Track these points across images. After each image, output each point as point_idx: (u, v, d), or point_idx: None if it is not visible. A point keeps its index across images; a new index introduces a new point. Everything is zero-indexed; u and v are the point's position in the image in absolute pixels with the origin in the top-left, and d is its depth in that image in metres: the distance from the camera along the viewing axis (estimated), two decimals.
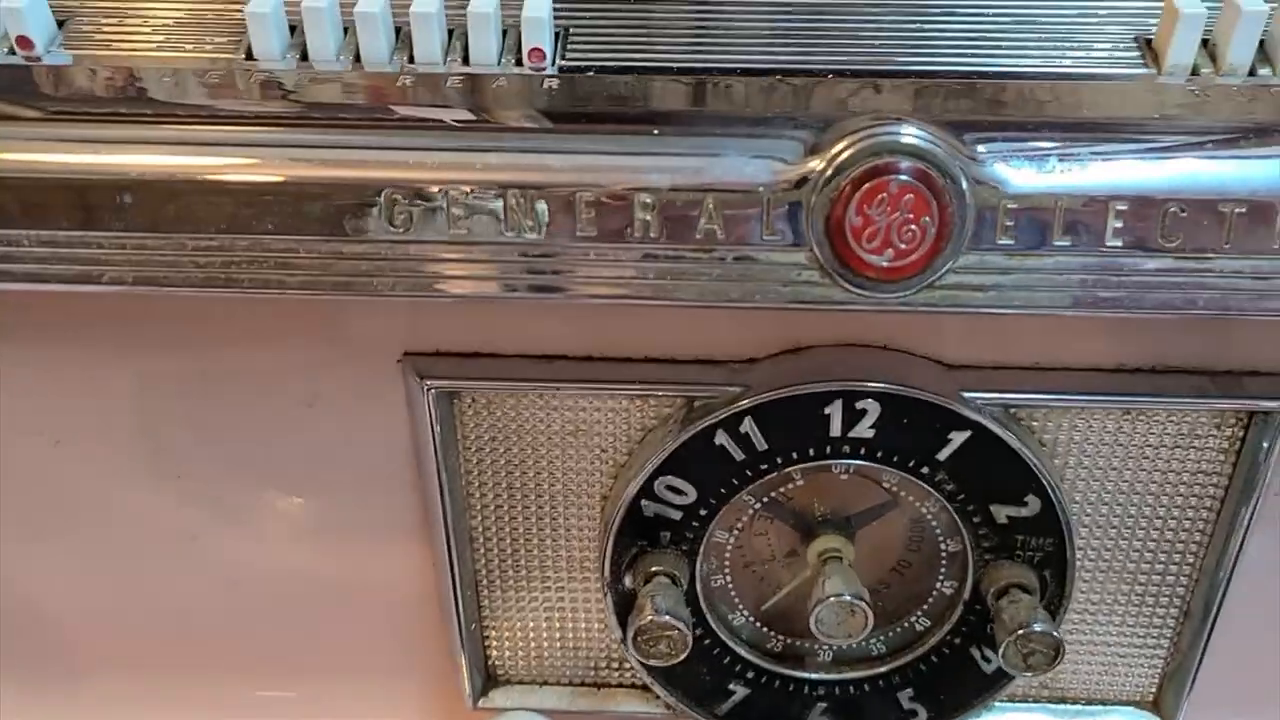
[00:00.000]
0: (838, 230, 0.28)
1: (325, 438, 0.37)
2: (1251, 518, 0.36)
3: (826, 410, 0.34)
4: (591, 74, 0.30)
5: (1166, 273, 0.28)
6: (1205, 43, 0.30)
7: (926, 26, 0.31)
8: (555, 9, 0.31)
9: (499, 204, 0.29)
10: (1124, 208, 0.28)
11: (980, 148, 0.28)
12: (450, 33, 0.31)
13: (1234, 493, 0.36)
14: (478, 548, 0.39)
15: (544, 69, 0.30)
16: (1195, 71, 0.31)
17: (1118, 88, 0.30)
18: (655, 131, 0.29)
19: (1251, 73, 0.32)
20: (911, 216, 0.28)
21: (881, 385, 0.34)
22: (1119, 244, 0.28)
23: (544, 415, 0.36)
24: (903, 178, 0.28)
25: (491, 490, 0.38)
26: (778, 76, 0.30)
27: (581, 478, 0.37)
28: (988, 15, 0.32)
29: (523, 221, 0.29)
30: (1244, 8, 0.33)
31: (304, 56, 0.30)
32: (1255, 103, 0.30)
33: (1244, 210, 0.28)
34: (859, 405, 0.34)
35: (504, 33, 0.31)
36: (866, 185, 0.28)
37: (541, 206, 0.28)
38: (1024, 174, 0.28)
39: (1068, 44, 0.32)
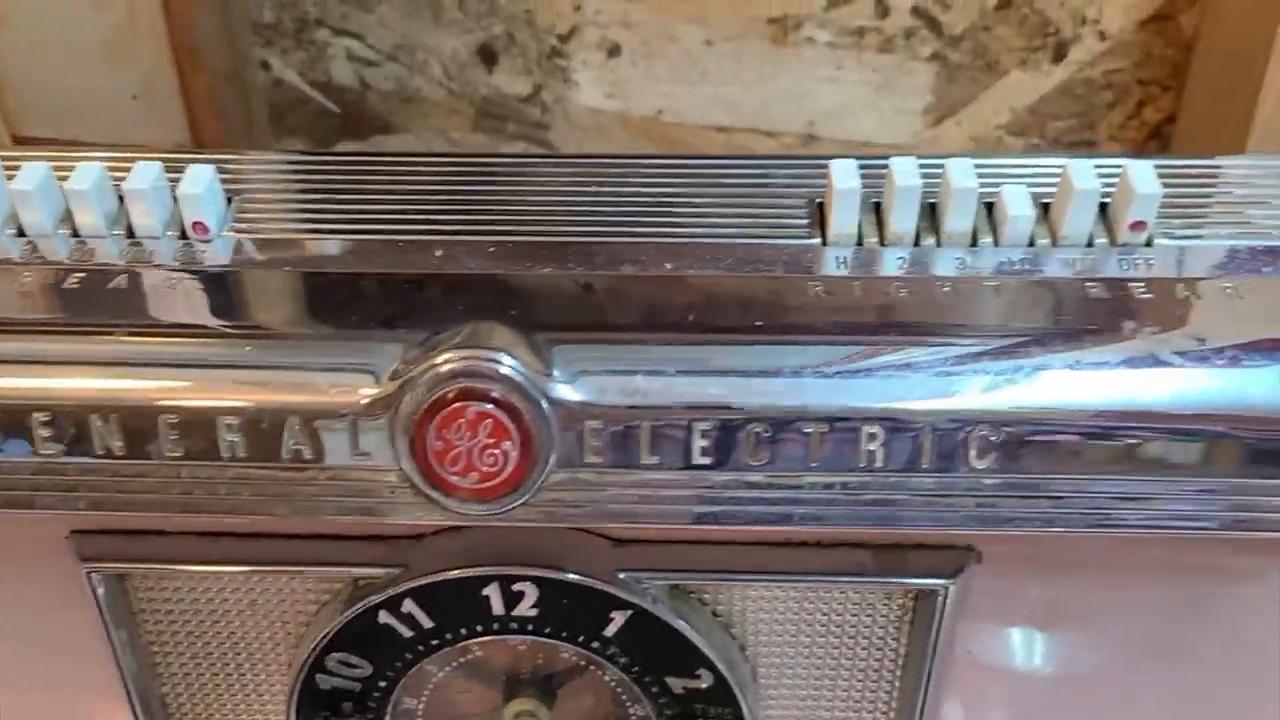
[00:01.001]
0: (421, 453, 0.28)
1: (10, 603, 0.37)
2: (929, 684, 0.36)
3: (485, 591, 0.34)
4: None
5: (759, 487, 0.29)
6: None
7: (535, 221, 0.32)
8: None
9: (97, 422, 0.29)
10: (707, 427, 0.28)
11: (562, 367, 0.28)
12: None
13: (911, 660, 0.36)
14: (171, 713, 0.39)
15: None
16: (860, 241, 0.32)
17: (737, 282, 0.30)
18: (247, 346, 0.29)
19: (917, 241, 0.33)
20: (492, 441, 0.28)
21: (535, 571, 0.34)
22: (707, 462, 0.28)
23: (217, 591, 0.36)
24: (479, 405, 0.28)
25: (177, 659, 0.38)
26: (378, 281, 0.30)
27: (265, 648, 0.37)
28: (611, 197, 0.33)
29: (111, 442, 0.29)
30: (902, 184, 0.33)
31: None
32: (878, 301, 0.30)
33: (826, 429, 0.28)
34: (516, 588, 0.34)
35: None
36: (443, 412, 0.28)
37: (116, 426, 0.28)
38: (608, 393, 0.28)
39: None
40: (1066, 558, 0.33)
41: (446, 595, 0.35)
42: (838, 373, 0.28)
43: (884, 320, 0.29)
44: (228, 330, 0.29)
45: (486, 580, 0.34)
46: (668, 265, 0.32)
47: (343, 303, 0.30)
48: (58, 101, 0.47)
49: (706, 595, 0.36)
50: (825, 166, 0.33)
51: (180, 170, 0.33)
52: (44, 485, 0.29)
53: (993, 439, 0.28)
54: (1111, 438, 0.27)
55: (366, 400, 0.28)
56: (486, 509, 0.28)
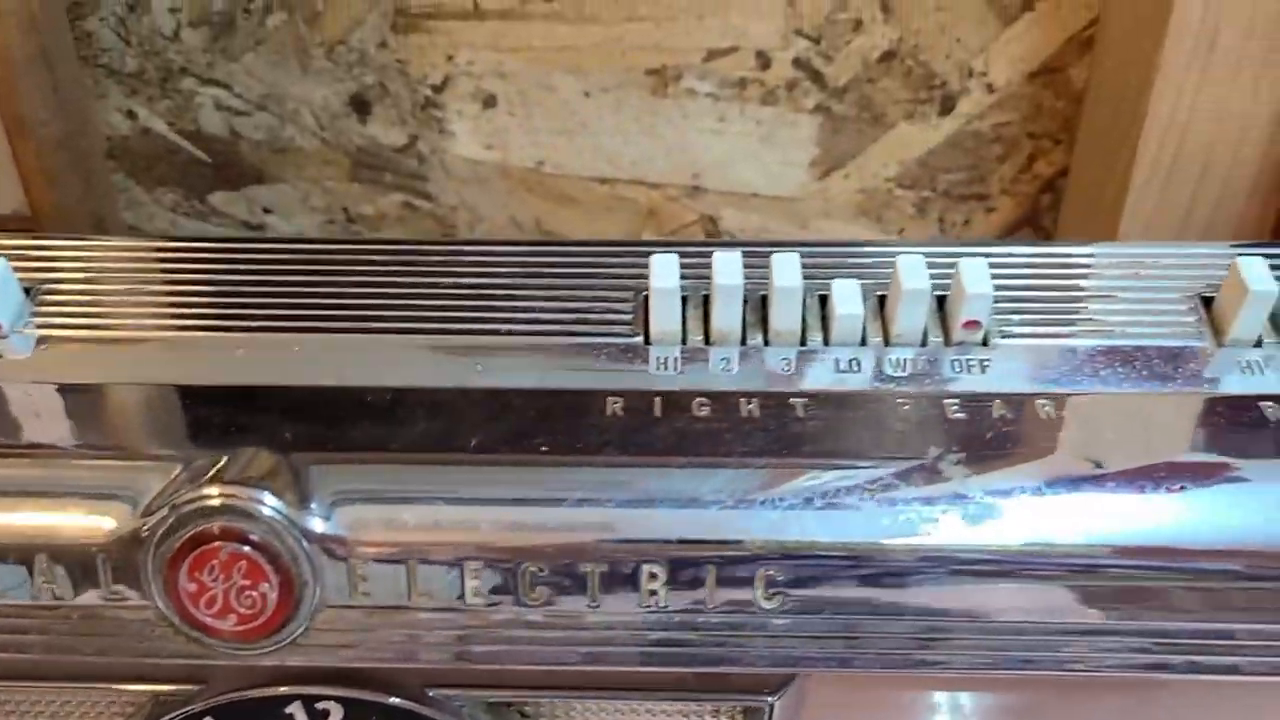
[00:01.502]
0: (175, 594, 0.26)
1: None
2: None
3: (288, 710, 0.33)
4: None
5: (537, 626, 0.27)
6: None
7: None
8: None
9: None
10: (478, 566, 0.26)
11: (324, 499, 0.26)
12: None
13: None
14: None
15: None
16: (685, 339, 0.31)
17: (530, 398, 0.29)
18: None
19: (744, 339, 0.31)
20: (248, 583, 0.26)
21: (339, 690, 0.32)
22: (480, 602, 0.27)
23: (15, 704, 0.34)
24: (233, 546, 0.26)
25: None
26: (157, 393, 0.29)
27: None
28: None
29: None
30: (721, 283, 0.32)
31: None
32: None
33: (606, 569, 0.26)
34: (320, 706, 0.32)
35: None
36: (195, 553, 0.26)
37: None
38: (373, 527, 0.27)
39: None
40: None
41: (247, 713, 0.33)
42: (619, 503, 0.26)
43: (678, 443, 0.28)
44: None
45: (289, 699, 0.33)
46: (477, 368, 0.31)
47: (113, 419, 0.29)
48: None
49: (527, 708, 0.35)
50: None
51: None
52: None
53: (782, 577, 0.26)
54: (903, 574, 0.26)
55: (119, 536, 0.26)
56: (252, 650, 0.27)
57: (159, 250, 0.35)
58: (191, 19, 0.50)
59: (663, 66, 0.49)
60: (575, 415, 0.28)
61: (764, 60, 0.48)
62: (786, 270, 0.32)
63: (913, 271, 0.32)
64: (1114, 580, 0.28)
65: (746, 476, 0.27)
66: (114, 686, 0.33)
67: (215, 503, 0.25)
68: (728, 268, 0.32)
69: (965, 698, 0.34)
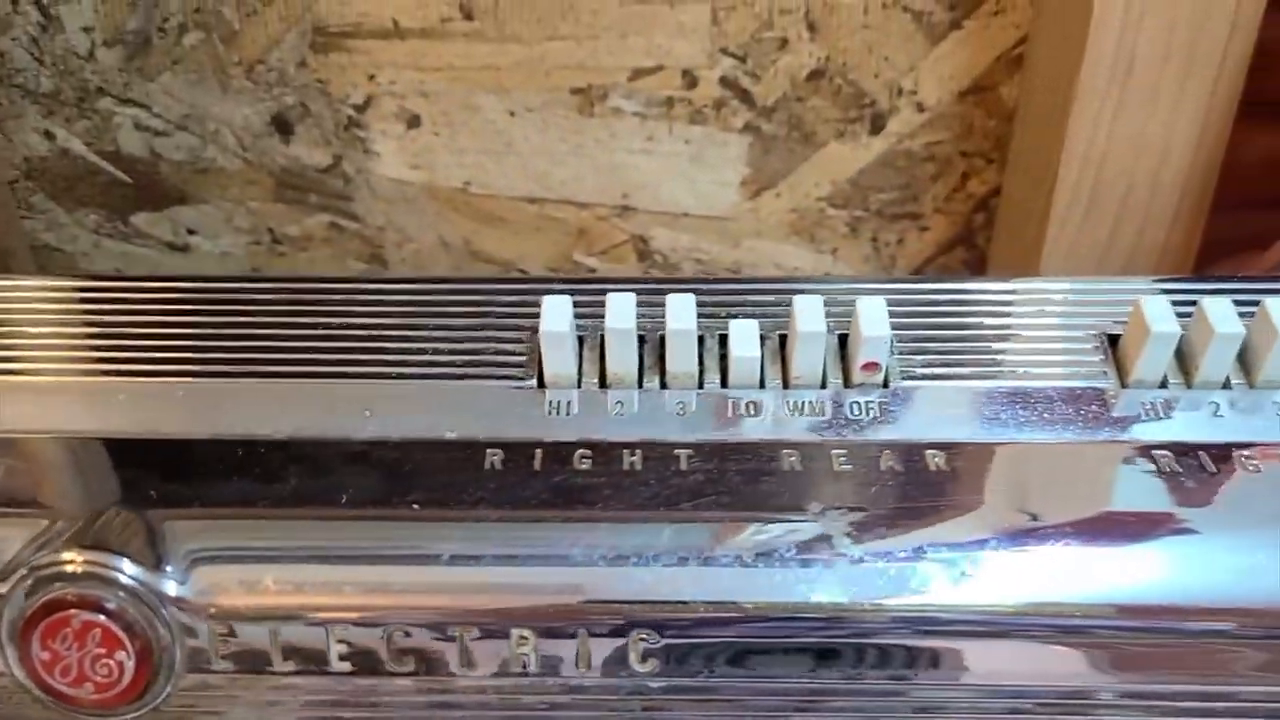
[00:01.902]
0: (29, 662, 0.26)
1: None
2: None
3: None
4: None
5: (405, 692, 0.26)
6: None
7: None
8: None
9: None
10: (343, 633, 0.26)
11: (181, 561, 0.25)
12: None
13: None
14: None
15: None
16: (580, 383, 0.30)
17: (407, 450, 0.28)
18: None
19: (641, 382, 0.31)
20: (103, 651, 0.25)
21: None
22: (347, 668, 0.26)
23: None
24: (85, 614, 0.25)
25: None
26: (27, 447, 0.28)
27: None
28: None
29: None
30: (614, 326, 0.31)
31: None
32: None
33: (476, 634, 0.26)
34: None
35: None
36: (46, 621, 0.25)
37: None
38: (231, 591, 0.26)
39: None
40: None
41: None
42: (489, 559, 0.26)
43: (553, 499, 0.27)
44: None
45: None
46: (365, 414, 0.30)
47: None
48: None
49: None
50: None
51: None
52: None
53: (654, 643, 0.25)
54: (781, 635, 0.25)
55: None
56: (112, 717, 0.26)
57: (41, 290, 0.34)
58: (106, 38, 0.48)
59: (588, 86, 0.48)
60: (454, 468, 0.28)
61: (690, 79, 0.48)
62: (682, 312, 0.31)
63: (809, 313, 0.31)
64: (1009, 638, 0.28)
65: (620, 532, 0.26)
66: None
67: (68, 569, 0.25)
68: (621, 310, 0.31)
69: None
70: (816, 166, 0.49)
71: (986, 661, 0.27)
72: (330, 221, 0.53)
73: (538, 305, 0.32)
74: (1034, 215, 0.45)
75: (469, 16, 0.47)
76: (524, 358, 0.32)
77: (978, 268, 0.52)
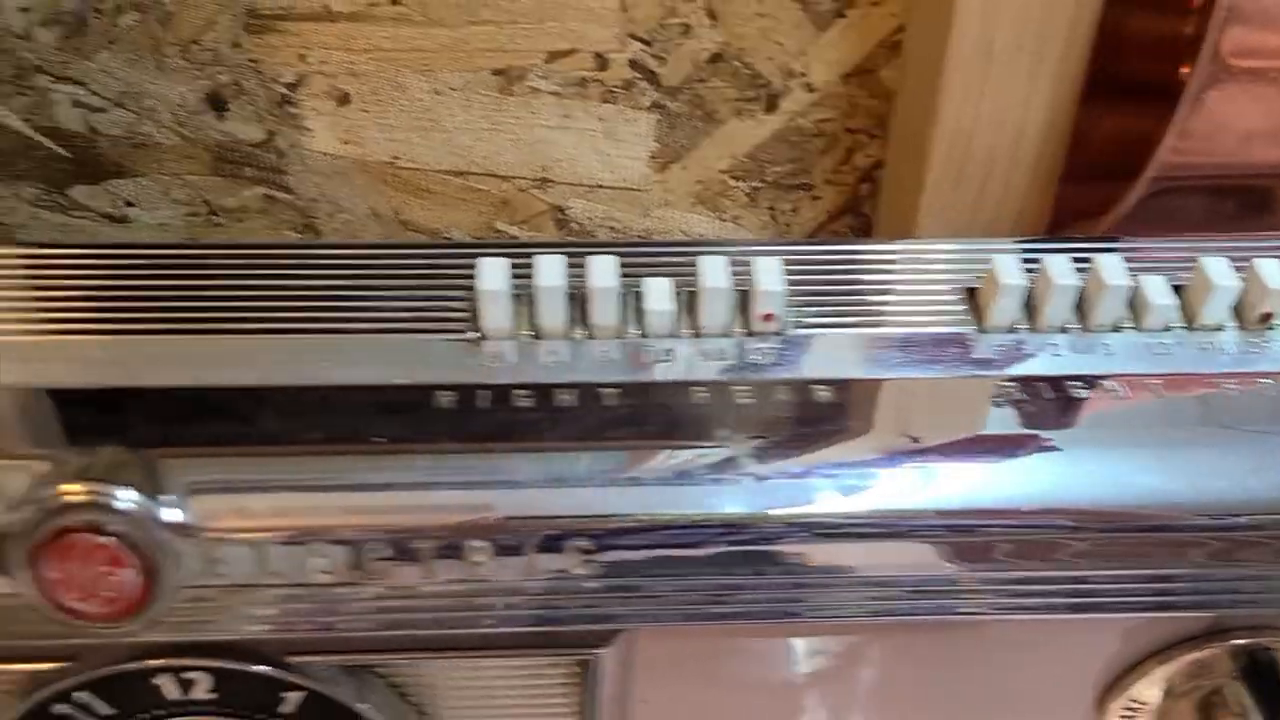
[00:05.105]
0: (41, 581, 0.29)
1: None
2: None
3: (156, 681, 0.35)
4: None
5: (381, 597, 0.30)
6: None
7: None
8: None
9: None
10: (322, 545, 0.30)
11: (177, 489, 0.29)
12: None
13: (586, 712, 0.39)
14: None
15: None
16: (515, 335, 0.34)
17: (369, 393, 0.32)
18: None
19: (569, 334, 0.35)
20: (109, 569, 0.29)
21: (204, 660, 0.35)
22: (326, 578, 0.30)
23: None
24: (92, 537, 0.29)
25: None
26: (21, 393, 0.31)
27: None
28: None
29: None
30: (542, 284, 0.35)
31: None
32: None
33: (434, 545, 0.30)
34: (187, 676, 0.35)
35: None
36: (56, 544, 0.29)
37: None
38: (222, 514, 0.29)
39: None
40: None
41: (119, 686, 0.36)
42: (446, 485, 0.30)
43: (500, 430, 0.31)
44: None
45: (158, 671, 0.36)
46: (323, 364, 0.34)
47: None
48: None
49: (387, 669, 0.38)
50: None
51: None
52: None
53: (590, 546, 0.30)
54: (693, 544, 0.30)
55: None
56: (118, 629, 0.30)
57: (18, 257, 0.37)
58: (43, 18, 0.51)
59: (508, 67, 0.52)
60: (410, 408, 0.32)
61: (602, 61, 0.52)
62: (605, 271, 0.36)
63: (714, 271, 0.36)
64: (893, 539, 0.33)
65: (558, 459, 0.30)
66: None
67: (78, 499, 0.28)
68: (552, 270, 0.35)
69: (773, 645, 0.38)
70: (718, 142, 0.54)
71: (873, 559, 0.32)
72: (265, 194, 0.55)
73: (470, 268, 0.37)
74: (911, 185, 0.50)
75: (395, 1, 0.50)
76: (464, 314, 0.36)
77: (864, 232, 0.57)
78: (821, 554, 0.31)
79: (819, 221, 0.57)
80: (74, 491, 0.28)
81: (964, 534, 0.33)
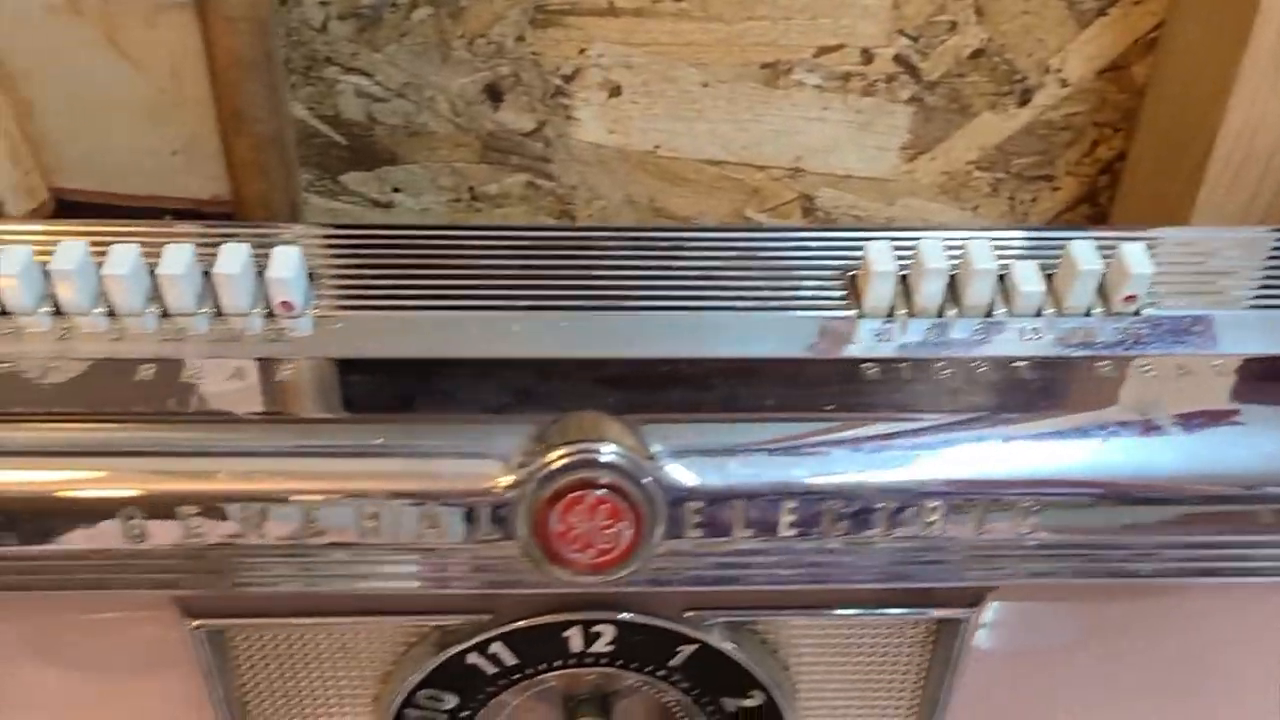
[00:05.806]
0: (543, 534, 0.32)
1: (114, 656, 0.40)
2: (948, 702, 0.41)
3: (566, 634, 0.38)
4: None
5: (835, 552, 0.33)
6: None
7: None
8: None
9: (237, 508, 0.32)
10: (793, 505, 0.32)
11: (662, 451, 0.32)
12: None
13: (933, 679, 0.41)
14: None
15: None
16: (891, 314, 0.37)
17: (798, 366, 0.34)
18: (377, 436, 0.32)
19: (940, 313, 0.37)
20: (608, 522, 0.31)
21: (613, 615, 0.37)
22: (793, 534, 0.32)
23: (312, 639, 0.39)
24: (598, 492, 0.31)
25: (270, 702, 0.41)
26: (503, 368, 0.34)
27: (354, 685, 0.40)
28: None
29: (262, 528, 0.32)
30: (928, 265, 0.37)
31: None
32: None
33: (898, 505, 0.32)
34: (595, 629, 0.38)
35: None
36: (565, 498, 0.31)
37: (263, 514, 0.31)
38: (707, 474, 0.32)
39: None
40: (1080, 592, 0.38)
41: (531, 638, 0.38)
42: (909, 448, 0.32)
43: (923, 398, 0.34)
44: (350, 419, 0.32)
45: (569, 624, 0.38)
46: (722, 339, 0.36)
47: (448, 389, 0.34)
48: (96, 157, 0.48)
49: (758, 626, 0.40)
50: (851, 241, 0.38)
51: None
52: (192, 568, 0.32)
53: (1025, 504, 0.32)
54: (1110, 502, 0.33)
55: (499, 485, 0.31)
56: (598, 579, 0.32)
57: (419, 236, 0.39)
58: (341, 12, 0.53)
59: (776, 60, 0.54)
60: (833, 378, 0.34)
61: (868, 56, 0.54)
62: (979, 254, 0.38)
63: (1086, 255, 0.38)
64: None
65: (974, 423, 0.33)
66: (407, 617, 0.38)
67: (581, 458, 0.31)
68: (933, 251, 0.38)
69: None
70: (969, 134, 0.56)
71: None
72: (527, 181, 0.58)
73: (816, 251, 0.39)
74: (1165, 177, 0.52)
75: None
76: (840, 295, 0.38)
77: (1099, 222, 0.59)
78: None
79: (1056, 211, 0.60)
80: (583, 451, 0.31)
81: None
